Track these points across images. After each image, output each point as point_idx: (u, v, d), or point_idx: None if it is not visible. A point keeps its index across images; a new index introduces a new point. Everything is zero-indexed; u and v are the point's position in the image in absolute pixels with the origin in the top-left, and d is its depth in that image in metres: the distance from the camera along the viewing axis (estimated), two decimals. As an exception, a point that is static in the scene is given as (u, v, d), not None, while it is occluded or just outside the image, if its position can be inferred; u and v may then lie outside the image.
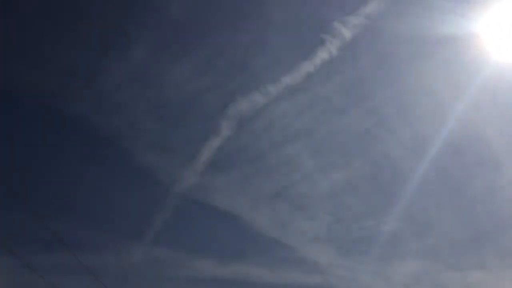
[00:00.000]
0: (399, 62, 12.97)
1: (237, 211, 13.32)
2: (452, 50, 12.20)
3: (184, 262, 13.76)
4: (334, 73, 13.02)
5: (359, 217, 13.29)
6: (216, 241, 14.00)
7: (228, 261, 14.57)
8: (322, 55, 12.83)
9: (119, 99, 12.84)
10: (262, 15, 13.04)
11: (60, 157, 12.34)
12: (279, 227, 14.11)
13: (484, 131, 12.51)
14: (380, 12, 12.40)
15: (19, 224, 11.12)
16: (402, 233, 13.65)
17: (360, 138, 13.38)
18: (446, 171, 12.91)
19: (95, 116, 12.69)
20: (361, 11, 12.49)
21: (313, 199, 13.50)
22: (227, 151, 13.05)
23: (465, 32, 11.96)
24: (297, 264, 14.96)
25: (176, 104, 13.20)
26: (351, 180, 13.39)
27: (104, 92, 12.81)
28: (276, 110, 13.25)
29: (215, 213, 13.14)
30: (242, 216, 13.50)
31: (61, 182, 12.35)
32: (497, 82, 12.25)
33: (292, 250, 14.46)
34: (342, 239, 14.11)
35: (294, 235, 14.10)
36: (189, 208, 13.02)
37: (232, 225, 13.60)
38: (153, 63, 12.96)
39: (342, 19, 12.56)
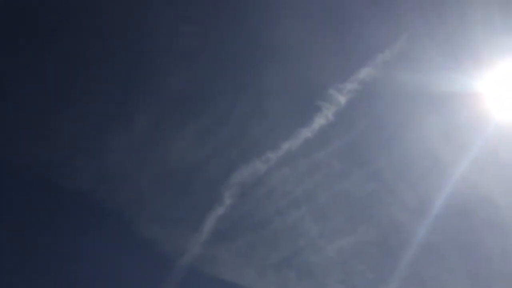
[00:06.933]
0: (396, 123, 13.29)
1: (244, 282, 13.11)
2: (453, 108, 12.51)
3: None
4: (332, 138, 13.29)
5: (369, 284, 13.12)
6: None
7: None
8: (319, 121, 13.16)
9: (121, 171, 12.88)
10: (260, 84, 13.46)
11: (62, 233, 12.17)
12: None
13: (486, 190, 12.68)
14: (374, 77, 12.87)
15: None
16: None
17: (362, 202, 13.47)
18: (451, 233, 12.97)
19: (97, 190, 12.65)
20: (355, 77, 12.98)
21: (320, 266, 13.37)
22: (230, 219, 13.02)
23: (466, 91, 12.32)
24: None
25: (178, 174, 13.26)
26: (358, 246, 13.35)
27: (106, 165, 12.85)
28: (277, 177, 13.37)
29: (222, 286, 12.89)
30: (249, 287, 13.24)
31: (63, 259, 12.12)
32: (499, 141, 12.49)
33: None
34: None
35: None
36: (194, 281, 12.79)
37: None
38: (154, 134, 13.14)
39: (336, 86, 13.02)
